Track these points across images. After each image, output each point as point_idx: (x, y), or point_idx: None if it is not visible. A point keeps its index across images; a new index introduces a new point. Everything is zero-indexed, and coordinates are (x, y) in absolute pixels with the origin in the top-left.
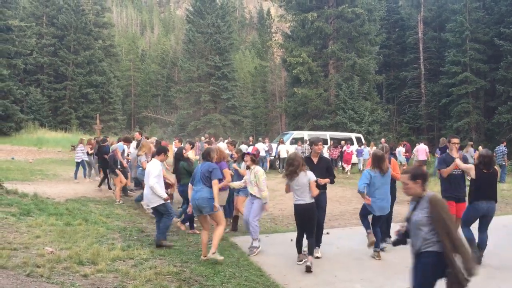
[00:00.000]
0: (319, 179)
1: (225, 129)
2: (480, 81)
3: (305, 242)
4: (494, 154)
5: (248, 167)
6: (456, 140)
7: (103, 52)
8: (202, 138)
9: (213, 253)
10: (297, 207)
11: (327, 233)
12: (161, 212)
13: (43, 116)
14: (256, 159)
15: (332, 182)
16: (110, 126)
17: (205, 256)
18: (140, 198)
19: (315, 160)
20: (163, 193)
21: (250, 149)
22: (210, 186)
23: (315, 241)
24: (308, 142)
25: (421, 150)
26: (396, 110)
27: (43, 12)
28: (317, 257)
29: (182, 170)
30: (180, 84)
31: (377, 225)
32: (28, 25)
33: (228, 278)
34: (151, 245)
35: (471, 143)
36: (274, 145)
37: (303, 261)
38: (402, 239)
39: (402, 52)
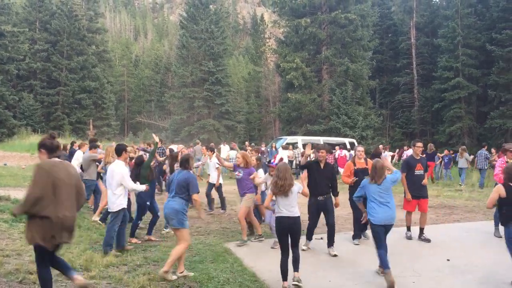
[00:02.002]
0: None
1: (218, 134)
2: (472, 86)
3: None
4: (476, 159)
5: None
6: (420, 145)
7: (96, 58)
8: (198, 141)
9: (165, 271)
10: (286, 220)
11: (321, 239)
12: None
13: (35, 121)
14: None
15: (335, 194)
16: (104, 131)
17: (181, 272)
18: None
19: (322, 165)
20: (142, 187)
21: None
22: (184, 198)
23: (329, 241)
24: (300, 147)
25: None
26: (389, 115)
27: (36, 17)
28: (335, 255)
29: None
30: (173, 90)
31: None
32: (21, 30)
33: (222, 284)
34: (144, 251)
35: (464, 147)
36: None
37: None
38: None
39: (395, 57)
